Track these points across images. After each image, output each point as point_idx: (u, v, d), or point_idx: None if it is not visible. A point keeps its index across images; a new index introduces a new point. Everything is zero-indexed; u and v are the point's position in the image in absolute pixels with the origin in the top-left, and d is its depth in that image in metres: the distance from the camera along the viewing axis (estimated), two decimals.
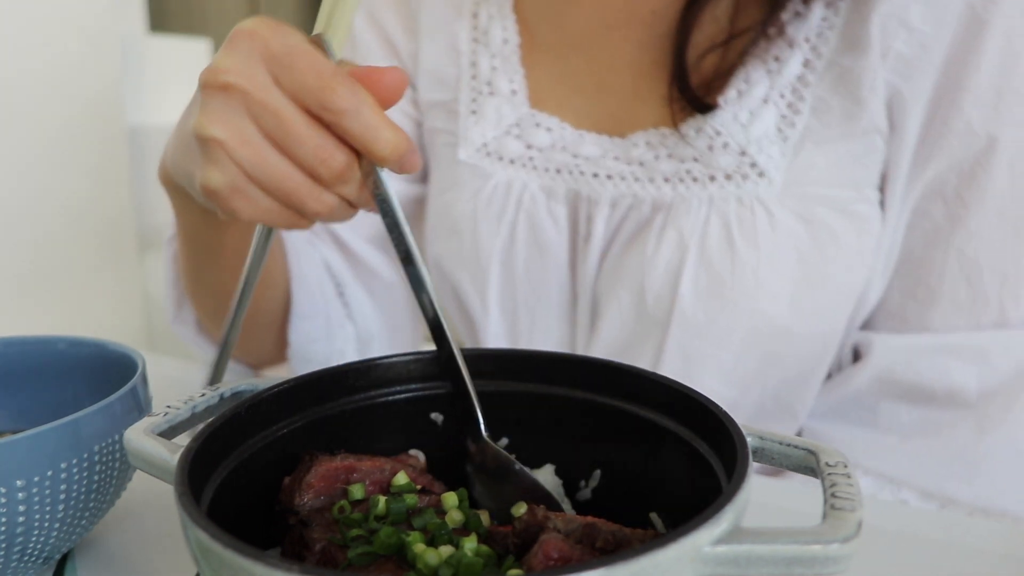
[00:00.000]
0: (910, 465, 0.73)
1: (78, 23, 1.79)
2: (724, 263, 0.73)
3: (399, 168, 0.51)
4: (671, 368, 0.77)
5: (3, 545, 0.49)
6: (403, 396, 0.55)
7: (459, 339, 0.90)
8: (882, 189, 0.74)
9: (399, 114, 0.90)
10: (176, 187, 0.68)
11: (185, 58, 2.44)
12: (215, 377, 0.64)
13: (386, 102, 0.51)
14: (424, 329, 0.95)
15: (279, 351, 0.85)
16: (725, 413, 0.45)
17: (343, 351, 0.87)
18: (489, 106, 0.83)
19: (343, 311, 0.87)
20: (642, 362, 0.77)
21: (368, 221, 0.90)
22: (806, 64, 0.72)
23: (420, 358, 0.55)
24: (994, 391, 0.73)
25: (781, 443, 0.45)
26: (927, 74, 0.70)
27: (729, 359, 0.76)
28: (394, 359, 0.55)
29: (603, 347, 0.80)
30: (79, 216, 1.82)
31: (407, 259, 0.53)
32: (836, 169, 0.72)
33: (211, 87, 0.51)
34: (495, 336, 0.86)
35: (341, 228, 0.87)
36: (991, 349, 0.73)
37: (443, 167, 0.87)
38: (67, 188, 1.80)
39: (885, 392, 0.76)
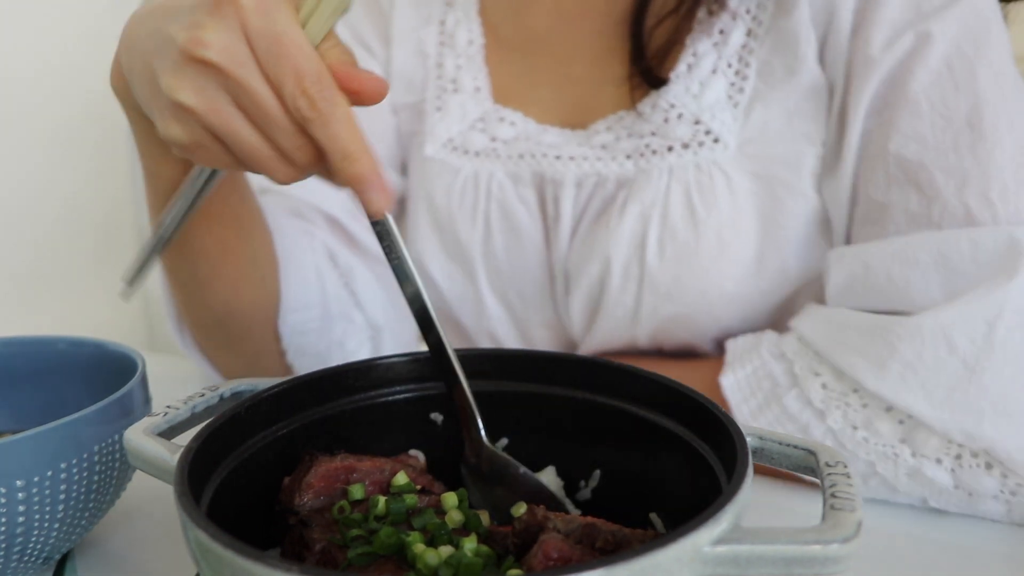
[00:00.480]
0: (833, 334, 0.66)
1: (77, 23, 1.79)
2: (687, 230, 0.75)
3: (360, 196, 0.50)
4: (648, 332, 0.79)
5: (3, 545, 0.49)
6: (403, 396, 0.55)
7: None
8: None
9: (388, 129, 0.92)
10: (131, 100, 0.63)
11: None
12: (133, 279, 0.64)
13: (364, 104, 0.51)
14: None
15: (281, 358, 0.85)
16: (725, 414, 0.45)
17: (343, 343, 0.86)
18: (453, 102, 0.86)
19: (350, 300, 0.87)
20: (620, 330, 0.80)
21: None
22: (749, 33, 0.75)
23: (420, 358, 0.55)
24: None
25: (781, 443, 0.45)
26: (846, 7, 0.71)
27: (706, 320, 0.78)
28: (393, 359, 0.55)
29: (580, 323, 0.82)
30: (78, 216, 1.82)
31: (392, 255, 0.54)
32: (787, 126, 0.74)
33: (188, 58, 0.49)
34: (498, 319, 0.88)
35: (341, 216, 0.88)
36: (954, 248, 0.64)
37: (416, 167, 0.90)
38: (66, 188, 1.80)
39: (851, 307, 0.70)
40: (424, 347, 0.54)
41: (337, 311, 0.85)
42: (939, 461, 0.60)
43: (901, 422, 0.62)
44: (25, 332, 0.67)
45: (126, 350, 0.62)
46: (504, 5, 0.86)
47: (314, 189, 0.87)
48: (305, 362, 0.85)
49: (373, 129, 0.91)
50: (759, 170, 0.75)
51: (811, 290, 0.77)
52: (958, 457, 0.60)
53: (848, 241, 0.74)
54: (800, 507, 0.63)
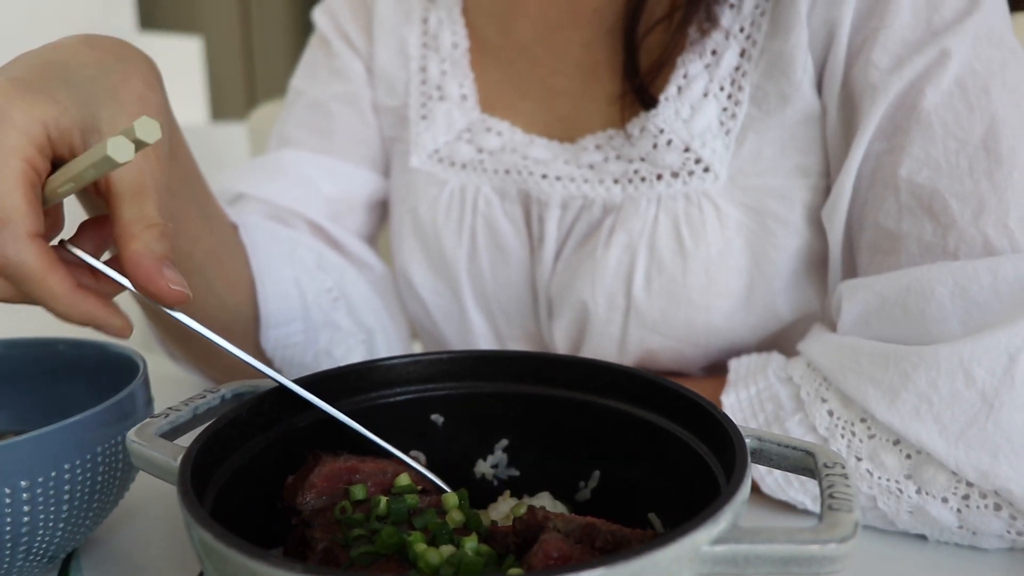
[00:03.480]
0: (844, 360, 0.62)
1: (67, 20, 1.79)
2: (675, 263, 0.73)
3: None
4: (633, 360, 0.78)
5: (8, 545, 0.50)
6: (404, 397, 0.55)
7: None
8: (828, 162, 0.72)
9: (372, 131, 0.90)
10: None
11: (176, 56, 2.43)
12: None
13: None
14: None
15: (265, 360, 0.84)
16: (724, 415, 0.45)
17: (329, 351, 0.85)
18: (439, 111, 0.84)
19: (335, 307, 0.85)
20: (605, 357, 0.77)
21: (356, 219, 0.91)
22: (743, 54, 0.72)
23: (420, 360, 0.56)
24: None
25: (779, 444, 0.45)
26: (844, 29, 0.67)
27: (693, 352, 0.77)
28: (394, 361, 0.55)
29: (564, 347, 0.81)
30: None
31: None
32: (780, 157, 0.71)
33: None
34: (482, 336, 0.87)
35: (324, 222, 0.87)
36: (973, 279, 0.59)
37: (400, 176, 0.88)
38: None
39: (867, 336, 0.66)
40: (419, 347, 0.54)
41: (321, 320, 0.84)
42: (945, 500, 0.57)
43: (908, 456, 0.58)
44: (25, 334, 0.67)
45: (127, 351, 0.62)
46: (487, 10, 0.84)
47: (296, 196, 0.86)
48: (293, 371, 0.84)
49: (358, 132, 0.90)
50: (750, 202, 0.72)
51: (801, 328, 0.74)
52: (966, 497, 0.56)
53: (856, 270, 0.70)
54: (799, 510, 0.63)
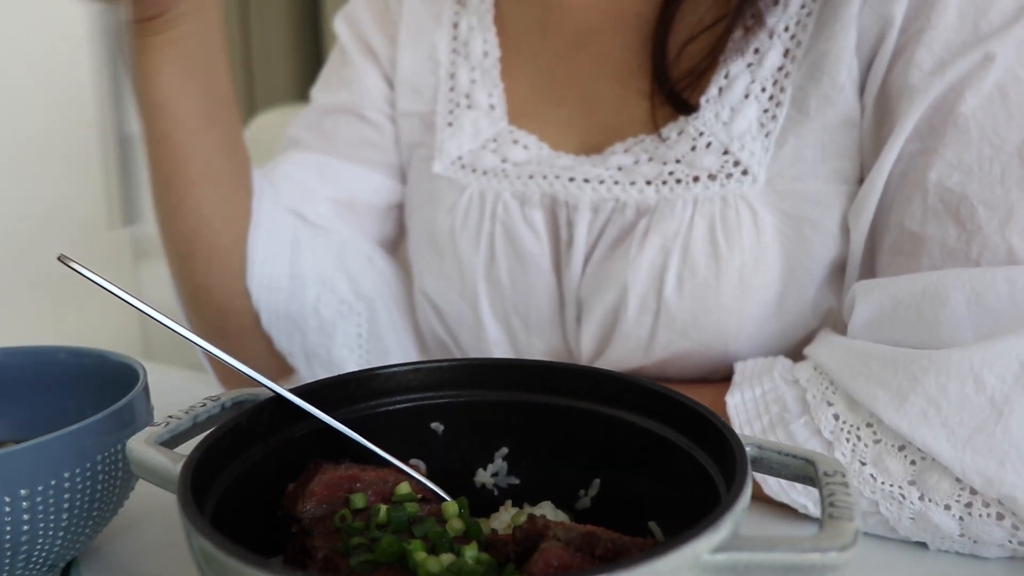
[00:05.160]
0: (852, 363, 0.62)
1: (65, 27, 1.79)
2: (709, 266, 0.72)
3: None
4: (657, 363, 0.77)
5: (8, 553, 0.50)
6: (404, 406, 0.55)
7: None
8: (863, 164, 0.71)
9: (388, 139, 0.91)
10: None
11: None
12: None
13: None
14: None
15: (256, 327, 0.84)
16: (725, 424, 0.45)
17: (317, 308, 0.86)
18: (466, 119, 0.84)
19: (335, 268, 0.87)
20: (629, 361, 0.78)
21: (359, 222, 0.92)
22: (786, 54, 0.71)
23: (420, 368, 0.56)
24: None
25: (780, 452, 0.45)
26: (895, 26, 0.66)
27: (720, 357, 0.76)
28: (394, 369, 0.55)
29: (590, 351, 0.80)
30: (73, 224, 1.82)
31: None
32: (821, 161, 0.70)
33: None
34: (496, 343, 0.86)
35: (349, 231, 0.88)
36: (990, 286, 0.59)
37: (420, 181, 0.88)
38: (61, 197, 1.80)
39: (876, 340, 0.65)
40: (426, 355, 0.54)
41: (313, 275, 0.85)
42: (948, 508, 0.56)
43: (913, 463, 0.58)
44: (21, 342, 0.67)
45: (127, 360, 0.62)
46: (525, 20, 0.83)
47: (297, 197, 0.87)
48: (281, 323, 0.84)
49: (362, 136, 0.91)
50: (788, 208, 0.71)
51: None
52: (968, 505, 0.56)
53: (874, 270, 0.70)
54: (799, 516, 0.63)
